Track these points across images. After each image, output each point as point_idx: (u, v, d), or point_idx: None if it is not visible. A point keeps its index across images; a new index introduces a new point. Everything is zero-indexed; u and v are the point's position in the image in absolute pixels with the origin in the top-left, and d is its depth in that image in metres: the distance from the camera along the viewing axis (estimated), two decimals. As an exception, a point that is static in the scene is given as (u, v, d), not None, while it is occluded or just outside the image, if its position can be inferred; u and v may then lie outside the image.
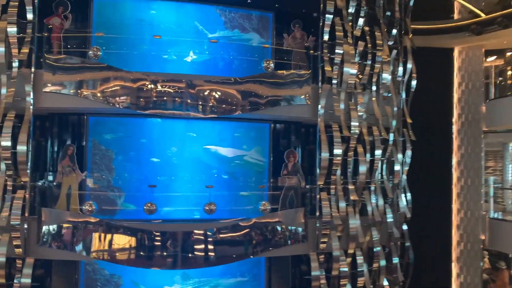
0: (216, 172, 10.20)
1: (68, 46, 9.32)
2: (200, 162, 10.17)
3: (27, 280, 8.46)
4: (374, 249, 10.06)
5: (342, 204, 9.68)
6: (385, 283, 10.33)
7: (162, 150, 10.03)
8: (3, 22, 8.45)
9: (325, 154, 9.43)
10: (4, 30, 8.40)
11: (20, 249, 8.47)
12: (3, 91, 8.49)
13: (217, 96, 9.41)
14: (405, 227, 11.14)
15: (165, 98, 9.19)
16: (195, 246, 9.22)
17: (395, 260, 10.56)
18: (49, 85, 8.85)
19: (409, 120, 11.04)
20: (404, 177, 11.07)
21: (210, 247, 9.30)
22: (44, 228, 8.81)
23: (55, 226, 8.95)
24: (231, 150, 10.35)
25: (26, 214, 8.61)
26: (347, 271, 9.62)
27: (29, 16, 8.68)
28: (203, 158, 10.19)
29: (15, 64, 8.54)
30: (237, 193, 10.20)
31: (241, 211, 9.83)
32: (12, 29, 8.45)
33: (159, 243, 9.12)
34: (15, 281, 8.53)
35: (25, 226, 8.60)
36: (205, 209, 9.45)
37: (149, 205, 9.17)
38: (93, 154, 9.73)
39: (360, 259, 9.79)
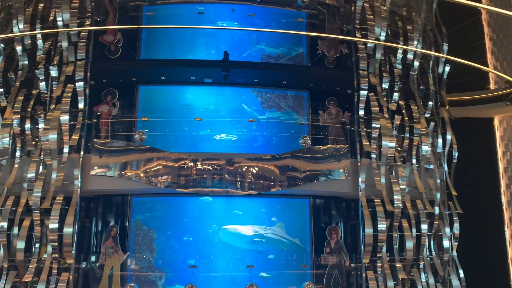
0: (256, 251, 10.00)
1: (115, 130, 9.85)
2: (241, 241, 10.05)
3: None
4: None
5: (391, 283, 9.16)
6: None
7: (203, 229, 10.02)
8: (57, 112, 9.11)
9: (369, 230, 9.14)
10: (57, 119, 9.02)
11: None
12: (54, 175, 8.92)
13: (255, 172, 9.52)
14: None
15: (204, 176, 9.38)
16: None
17: None
18: (95, 168, 9.26)
19: (453, 192, 10.64)
20: (454, 253, 10.44)
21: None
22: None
23: (96, 310, 8.89)
24: (272, 228, 10.22)
25: (69, 297, 8.62)
26: None
27: (81, 105, 9.31)
28: (243, 237, 10.08)
29: (65, 149, 9.05)
30: (279, 272, 9.89)
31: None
32: (65, 118, 9.07)
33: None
34: None
35: (68, 309, 8.57)
36: (247, 291, 9.17)
37: (189, 286, 9.00)
38: (135, 234, 9.84)
39: None
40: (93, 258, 9.68)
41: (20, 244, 8.66)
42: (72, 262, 8.70)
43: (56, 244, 8.62)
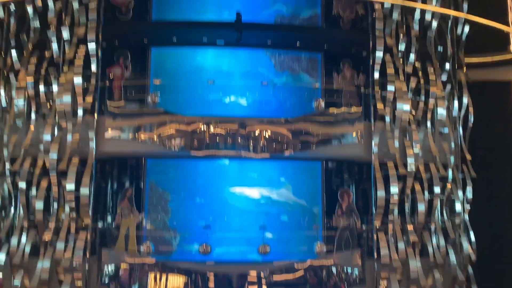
0: (269, 213, 10.16)
1: (127, 93, 9.85)
2: (254, 203, 10.20)
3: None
4: (438, 294, 9.47)
5: (401, 245, 9.28)
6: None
7: (216, 191, 10.17)
8: (70, 74, 9.11)
9: (381, 193, 9.18)
10: (71, 81, 9.04)
11: (82, 289, 8.73)
12: (69, 137, 9.03)
13: (268, 135, 9.53)
14: (470, 270, 10.44)
15: (217, 139, 9.43)
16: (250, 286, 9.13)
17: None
18: (110, 130, 9.33)
19: (468, 156, 10.57)
20: (466, 216, 10.49)
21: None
22: (104, 268, 9.05)
23: (114, 267, 9.19)
24: (283, 190, 10.32)
25: (88, 255, 8.89)
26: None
27: (93, 67, 9.29)
28: (256, 199, 10.22)
29: (80, 112, 9.11)
30: (291, 234, 10.07)
31: (296, 253, 9.65)
32: (78, 80, 9.08)
33: (213, 285, 9.11)
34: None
35: (86, 266, 8.86)
36: (259, 250, 9.37)
37: (204, 246, 9.22)
38: (150, 196, 10.03)
39: (423, 304, 9.23)
40: (109, 219, 9.95)
41: (39, 205, 8.89)
42: (89, 222, 8.94)
43: (73, 204, 8.83)
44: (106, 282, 9.10)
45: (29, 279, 8.83)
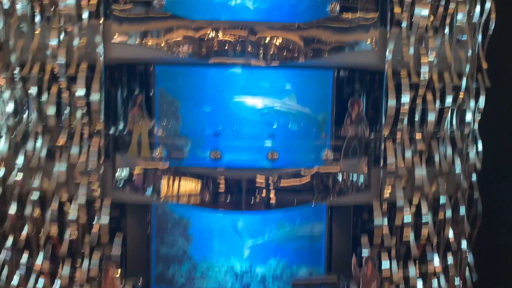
0: (278, 122, 10.21)
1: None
2: (262, 112, 10.21)
3: (105, 221, 9.18)
4: (441, 200, 9.81)
5: (408, 154, 9.42)
6: (450, 234, 10.12)
7: (226, 100, 10.14)
8: (73, -25, 8.68)
9: (392, 102, 9.10)
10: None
11: (98, 192, 9.14)
12: (75, 42, 8.85)
13: (278, 42, 9.27)
14: (474, 178, 10.70)
15: (226, 45, 9.19)
16: (258, 192, 9.49)
17: (462, 211, 10.24)
18: (116, 35, 9.10)
19: (484, 65, 10.26)
20: (476, 126, 10.49)
21: (272, 193, 9.53)
22: (118, 172, 9.39)
23: (127, 171, 9.53)
24: (292, 99, 10.26)
25: (102, 160, 9.18)
26: (411, 221, 9.51)
27: (96, -33, 8.81)
28: (265, 107, 10.22)
29: (84, 15, 8.81)
30: (299, 142, 10.21)
31: (303, 161, 9.86)
32: (81, -19, 8.67)
33: (223, 188, 9.48)
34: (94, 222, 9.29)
35: (101, 170, 9.20)
36: (268, 157, 9.59)
37: (214, 152, 9.44)
38: (160, 103, 10.05)
39: (424, 209, 9.61)
40: (121, 126, 10.10)
41: (51, 110, 9.01)
42: (101, 128, 9.10)
43: (85, 110, 8.92)
44: (121, 185, 9.48)
45: (47, 181, 9.25)
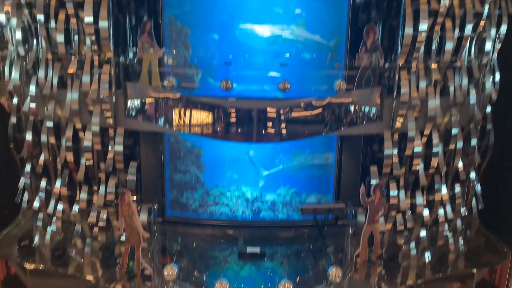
0: (290, 51, 9.97)
1: None
2: (275, 41, 9.95)
3: (119, 148, 9.36)
4: (452, 131, 9.75)
5: (423, 84, 9.23)
6: (460, 165, 10.17)
7: (237, 28, 9.85)
8: None
9: (409, 30, 8.76)
10: None
11: (111, 120, 9.24)
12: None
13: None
14: (488, 109, 10.54)
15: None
16: (269, 122, 9.48)
17: (474, 142, 10.21)
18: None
19: (509, -10, 9.72)
20: (495, 55, 10.13)
21: (283, 123, 9.52)
22: (130, 101, 9.41)
23: (139, 100, 9.54)
24: (305, 28, 9.93)
25: (113, 88, 9.17)
26: (421, 151, 9.54)
27: None
28: (278, 37, 9.93)
29: None
30: (312, 72, 10.02)
31: (315, 91, 9.73)
32: None
33: (234, 119, 9.49)
34: (109, 148, 9.48)
35: (113, 99, 9.22)
36: (279, 87, 9.47)
37: (225, 82, 9.34)
38: (170, 30, 9.81)
39: (435, 140, 9.60)
40: (131, 54, 9.96)
41: (59, 38, 8.87)
42: (111, 56, 8.98)
43: (94, 37, 8.77)
44: (134, 114, 9.54)
45: (61, 110, 9.34)
